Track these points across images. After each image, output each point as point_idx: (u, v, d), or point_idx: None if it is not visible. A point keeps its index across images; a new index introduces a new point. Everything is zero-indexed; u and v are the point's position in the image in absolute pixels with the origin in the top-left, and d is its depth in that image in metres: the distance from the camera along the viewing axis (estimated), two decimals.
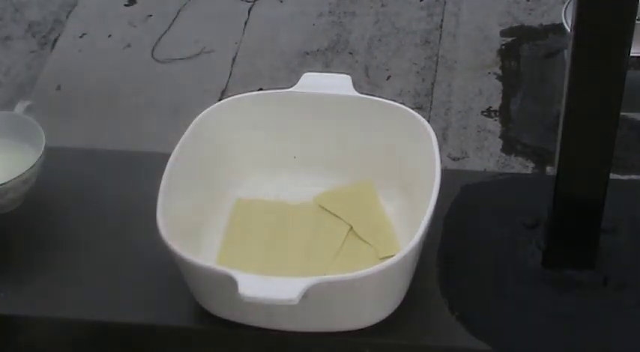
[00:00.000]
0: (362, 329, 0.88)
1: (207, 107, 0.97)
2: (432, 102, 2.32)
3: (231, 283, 0.81)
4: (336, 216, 0.96)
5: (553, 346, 0.88)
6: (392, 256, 0.85)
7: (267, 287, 0.81)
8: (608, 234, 0.93)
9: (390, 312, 0.89)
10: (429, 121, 0.95)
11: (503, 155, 2.17)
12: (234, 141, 0.98)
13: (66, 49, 2.40)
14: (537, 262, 0.93)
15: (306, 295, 0.81)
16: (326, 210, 0.97)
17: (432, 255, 0.94)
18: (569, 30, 0.91)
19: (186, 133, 0.94)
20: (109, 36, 2.52)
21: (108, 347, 0.94)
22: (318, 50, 2.48)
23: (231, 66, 2.46)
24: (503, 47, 2.44)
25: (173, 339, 0.93)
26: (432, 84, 2.36)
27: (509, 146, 2.19)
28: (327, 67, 2.41)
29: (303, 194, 0.98)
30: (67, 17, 2.57)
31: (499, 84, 2.35)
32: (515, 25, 2.50)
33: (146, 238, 0.90)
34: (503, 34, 2.48)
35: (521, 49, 2.43)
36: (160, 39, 2.53)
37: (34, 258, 0.97)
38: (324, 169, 0.99)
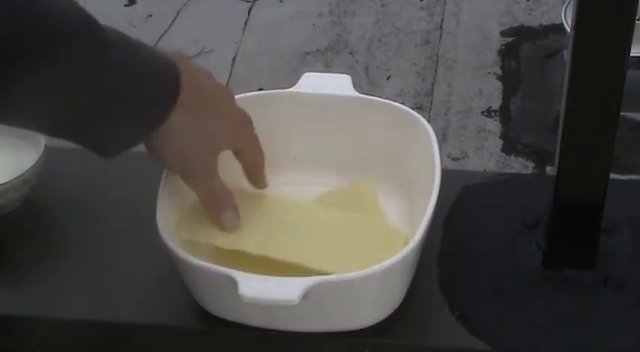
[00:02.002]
0: (362, 329, 0.88)
1: None
2: (432, 102, 2.32)
3: (231, 283, 0.82)
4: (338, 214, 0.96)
5: (553, 346, 0.88)
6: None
7: (267, 287, 0.81)
8: (608, 234, 0.93)
9: (390, 312, 0.89)
10: (429, 121, 0.95)
11: (503, 155, 2.17)
12: None
13: None
14: (537, 262, 0.93)
15: (306, 295, 0.81)
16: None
17: (432, 255, 0.94)
18: (569, 30, 0.91)
19: None
20: None
21: (108, 347, 0.94)
22: (318, 50, 2.48)
23: (231, 66, 2.46)
24: (503, 47, 2.44)
25: (173, 339, 0.93)
26: (432, 84, 2.36)
27: (509, 146, 2.19)
28: (327, 67, 2.41)
29: (303, 194, 0.98)
30: None
31: (499, 84, 2.35)
32: (515, 25, 2.51)
33: (146, 238, 0.90)
34: (503, 34, 2.48)
35: (521, 49, 2.43)
36: (159, 39, 2.53)
37: (33, 258, 0.97)
38: (324, 169, 0.99)
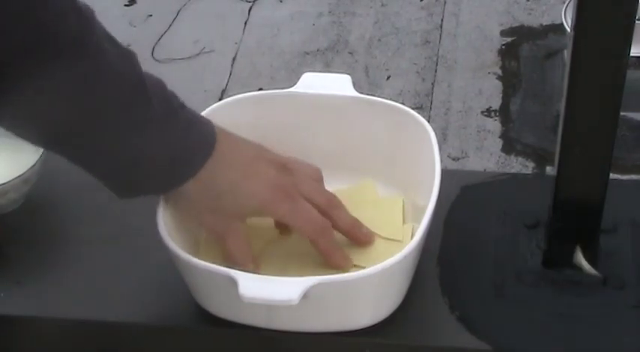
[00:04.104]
0: (362, 329, 0.88)
1: (207, 107, 0.96)
2: (432, 102, 2.32)
3: (231, 283, 0.82)
4: None
5: (553, 346, 0.88)
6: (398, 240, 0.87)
7: (267, 287, 0.81)
8: (608, 234, 0.93)
9: (390, 312, 0.89)
10: (429, 121, 0.95)
11: (503, 155, 2.18)
12: None
13: None
14: (537, 262, 0.93)
15: (306, 295, 0.81)
16: None
17: (432, 255, 0.94)
18: (569, 30, 0.91)
19: None
20: None
21: (108, 347, 0.94)
22: (318, 50, 2.49)
23: (231, 66, 2.46)
24: (503, 47, 2.45)
25: (173, 339, 0.93)
26: (432, 84, 2.36)
27: (509, 146, 2.19)
28: (327, 67, 2.41)
29: None
30: None
31: (499, 84, 2.35)
32: (515, 25, 2.51)
33: (146, 238, 0.90)
34: (503, 34, 2.49)
35: (521, 49, 2.43)
36: (159, 39, 2.53)
37: (34, 258, 0.97)
38: (324, 169, 0.98)
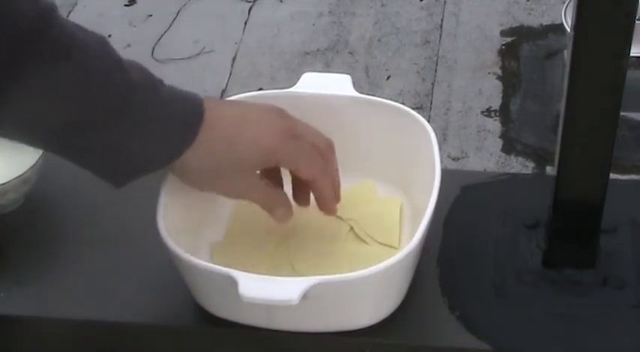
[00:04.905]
0: (362, 329, 0.88)
1: None
2: (432, 102, 2.32)
3: (231, 283, 0.82)
4: (337, 216, 0.96)
5: (553, 346, 0.88)
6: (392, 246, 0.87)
7: (267, 287, 0.81)
8: (608, 234, 0.93)
9: (390, 312, 0.89)
10: (429, 121, 0.95)
11: (503, 155, 2.18)
12: None
13: None
14: (537, 262, 0.93)
15: (306, 295, 0.81)
16: None
17: (432, 255, 0.94)
18: (569, 30, 0.91)
19: None
20: (109, 36, 2.52)
21: (107, 347, 0.94)
22: (318, 50, 2.49)
23: (231, 66, 2.46)
24: (503, 47, 2.45)
25: (173, 339, 0.93)
26: (432, 84, 2.37)
27: (509, 146, 2.20)
28: (327, 67, 2.41)
29: None
30: (67, 17, 2.57)
31: (499, 84, 2.35)
32: (515, 25, 2.51)
33: (146, 238, 0.90)
34: (503, 34, 2.49)
35: (521, 49, 2.43)
36: (160, 39, 2.54)
37: (34, 258, 0.97)
38: None
